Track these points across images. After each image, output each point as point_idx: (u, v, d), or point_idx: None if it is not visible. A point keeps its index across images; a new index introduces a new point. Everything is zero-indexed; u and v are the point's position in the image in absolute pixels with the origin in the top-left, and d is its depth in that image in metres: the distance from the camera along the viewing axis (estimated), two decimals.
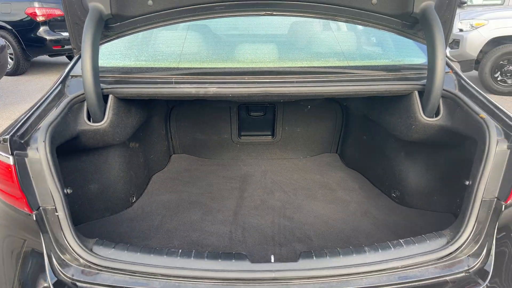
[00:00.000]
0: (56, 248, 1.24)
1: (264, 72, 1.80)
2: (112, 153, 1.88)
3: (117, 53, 1.96)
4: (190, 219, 1.96)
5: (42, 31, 7.03)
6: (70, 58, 8.66)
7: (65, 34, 7.31)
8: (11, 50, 6.99)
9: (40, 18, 6.97)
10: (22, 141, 1.26)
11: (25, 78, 7.16)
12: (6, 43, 4.98)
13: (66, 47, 7.32)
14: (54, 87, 1.59)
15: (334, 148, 2.69)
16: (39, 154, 1.23)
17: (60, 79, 1.68)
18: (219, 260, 1.25)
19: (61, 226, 1.25)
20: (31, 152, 1.24)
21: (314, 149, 2.68)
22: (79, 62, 1.79)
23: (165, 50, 2.08)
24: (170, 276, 1.21)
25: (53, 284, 1.20)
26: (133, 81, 1.69)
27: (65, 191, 1.29)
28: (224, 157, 2.63)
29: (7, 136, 1.21)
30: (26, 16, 6.99)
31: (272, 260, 1.34)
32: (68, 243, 1.24)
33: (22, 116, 1.41)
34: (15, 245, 1.34)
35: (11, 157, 1.21)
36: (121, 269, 1.22)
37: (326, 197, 2.17)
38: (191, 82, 1.64)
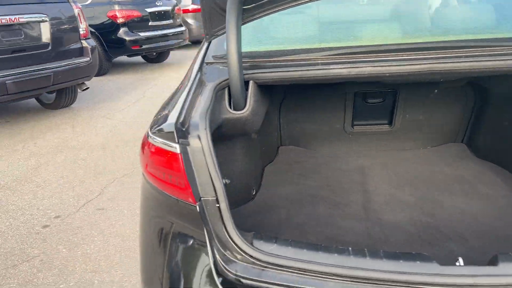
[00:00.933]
0: (217, 242, 1.16)
1: (423, 47, 1.58)
2: (238, 143, 1.80)
3: (251, 36, 1.87)
4: (317, 213, 1.83)
5: (122, 32, 7.37)
6: (145, 57, 9.02)
7: (143, 34, 7.60)
8: None
9: (120, 20, 7.31)
10: (184, 129, 1.20)
11: (108, 78, 7.56)
12: (96, 44, 5.24)
13: (143, 46, 7.61)
14: (193, 75, 1.53)
15: (459, 137, 2.41)
16: (201, 142, 1.15)
17: (197, 66, 1.61)
18: (401, 261, 1.09)
19: (222, 219, 1.16)
20: (193, 141, 1.17)
21: (436, 138, 2.42)
22: (210, 49, 1.72)
23: (302, 30, 1.95)
24: (346, 276, 1.08)
25: (220, 282, 1.12)
26: (272, 65, 1.59)
27: (224, 181, 1.21)
28: (334, 148, 2.47)
29: (173, 124, 1.15)
30: (108, 19, 7.36)
31: (461, 263, 1.15)
32: (230, 237, 1.16)
33: (170, 105, 1.36)
34: (176, 239, 1.28)
35: (178, 146, 1.15)
36: (288, 266, 1.11)
37: (465, 192, 1.92)
38: (341, 63, 1.50)
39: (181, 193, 1.18)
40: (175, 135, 1.14)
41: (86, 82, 5.33)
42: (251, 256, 1.13)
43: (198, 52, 1.78)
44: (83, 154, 4.11)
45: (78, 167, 3.81)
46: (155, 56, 8.89)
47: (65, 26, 4.80)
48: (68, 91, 5.35)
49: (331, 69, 1.47)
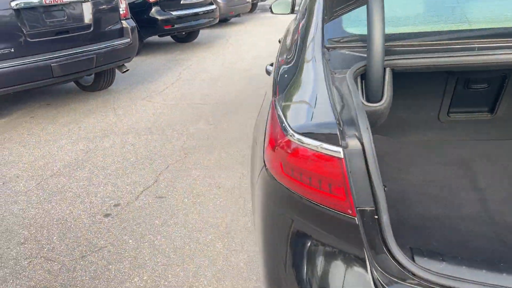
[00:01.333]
0: (375, 259, 1.01)
1: None
2: None
3: None
4: (430, 214, 1.65)
5: (154, 11, 7.15)
6: (174, 37, 8.80)
7: (174, 13, 7.37)
8: None
9: None
10: (341, 129, 1.03)
11: (140, 58, 7.40)
12: (135, 25, 5.06)
13: (175, 26, 7.39)
14: (317, 62, 1.34)
15: None
16: (363, 144, 0.98)
17: (317, 51, 1.41)
18: None
19: (381, 232, 1.00)
20: (353, 143, 0.99)
21: None
22: (323, 31, 1.52)
23: (444, 9, 1.73)
24: None
25: None
26: (412, 49, 1.38)
27: (384, 187, 1.04)
28: (426, 138, 2.27)
29: (333, 123, 0.97)
30: None
31: None
32: (391, 253, 1.00)
33: (296, 96, 1.18)
34: (320, 252, 1.13)
35: (341, 150, 0.98)
36: None
37: None
38: (502, 47, 1.28)
39: (336, 203, 1.01)
40: (339, 137, 0.97)
41: (125, 64, 5.19)
42: (415, 276, 0.98)
43: (305, 35, 1.57)
44: (131, 139, 4.01)
45: (128, 152, 3.72)
46: (185, 36, 8.67)
47: (106, 6, 4.62)
48: (107, 73, 5.22)
49: (492, 55, 1.26)
